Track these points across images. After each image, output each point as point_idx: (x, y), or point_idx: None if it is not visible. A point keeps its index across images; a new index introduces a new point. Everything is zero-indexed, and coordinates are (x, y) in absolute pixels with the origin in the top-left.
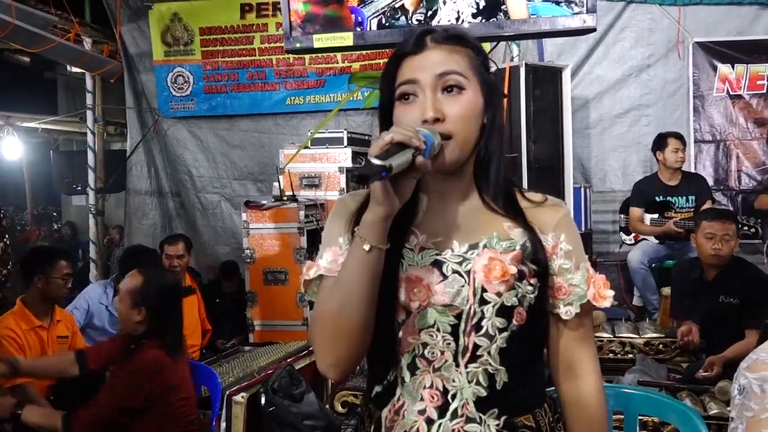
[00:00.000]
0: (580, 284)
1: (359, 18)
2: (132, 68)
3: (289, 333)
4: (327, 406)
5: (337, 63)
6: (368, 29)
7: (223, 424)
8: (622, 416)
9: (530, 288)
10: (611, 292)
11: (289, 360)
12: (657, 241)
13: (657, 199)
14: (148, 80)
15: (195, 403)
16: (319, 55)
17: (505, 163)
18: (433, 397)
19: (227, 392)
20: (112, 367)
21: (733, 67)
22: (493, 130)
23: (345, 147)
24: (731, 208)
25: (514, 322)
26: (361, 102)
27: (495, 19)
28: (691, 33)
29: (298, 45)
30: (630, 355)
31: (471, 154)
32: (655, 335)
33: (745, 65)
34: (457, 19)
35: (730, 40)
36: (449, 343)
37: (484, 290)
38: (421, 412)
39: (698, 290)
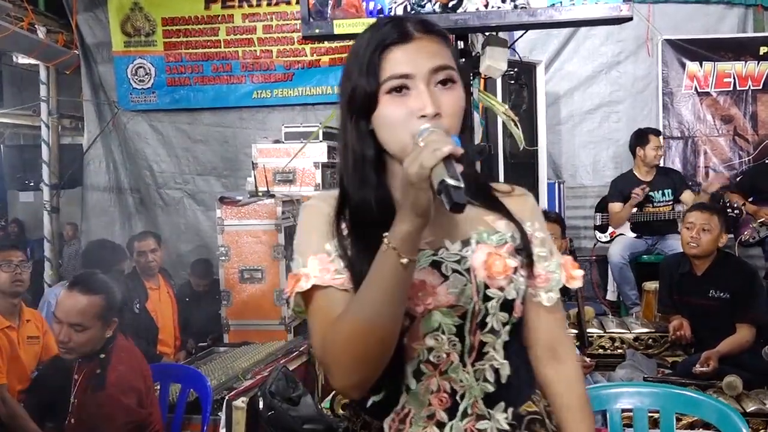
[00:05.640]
0: (555, 270)
1: (378, 5)
2: (89, 59)
3: (266, 333)
4: (325, 408)
5: (306, 56)
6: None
7: (223, 431)
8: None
9: (522, 279)
10: (580, 272)
11: (282, 361)
12: (635, 235)
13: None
14: (106, 72)
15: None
16: (287, 47)
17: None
18: (441, 401)
19: (227, 397)
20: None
21: (701, 65)
22: (468, 123)
23: (320, 142)
24: None
25: (515, 314)
26: None
27: (526, 6)
28: (660, 31)
29: (317, 31)
30: (620, 351)
31: None
32: (644, 330)
33: (713, 63)
34: (486, 5)
35: (698, 38)
36: (455, 344)
37: (486, 287)
38: (430, 417)
39: (687, 285)
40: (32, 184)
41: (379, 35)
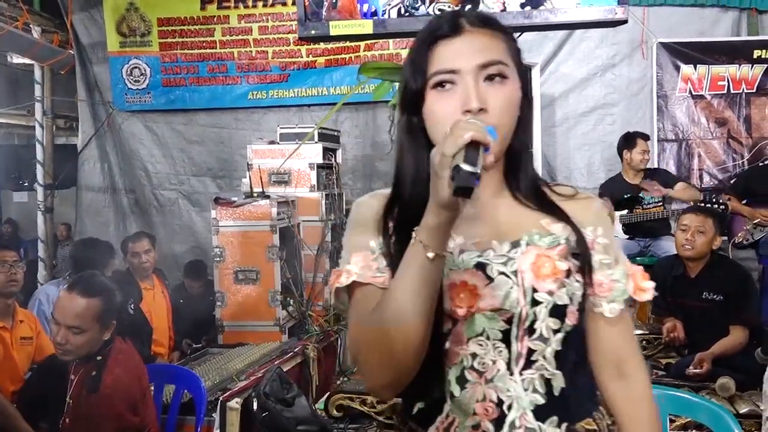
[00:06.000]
0: (621, 279)
1: (372, 7)
2: (84, 59)
3: (260, 334)
4: (319, 409)
5: (302, 57)
6: (387, 18)
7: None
8: None
9: (577, 285)
10: (650, 284)
11: (276, 362)
12: (627, 237)
13: (624, 197)
14: (101, 72)
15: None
16: (283, 48)
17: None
18: (487, 410)
19: (221, 398)
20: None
21: (695, 68)
22: (526, 122)
23: (315, 143)
24: None
25: (568, 322)
26: (361, 96)
27: (551, 9)
28: (655, 33)
29: (313, 32)
30: None
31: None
32: (638, 332)
33: (707, 66)
34: (503, 9)
35: (693, 41)
36: (501, 351)
37: (534, 290)
38: (475, 427)
39: (681, 287)
40: (26, 184)
41: (430, 29)
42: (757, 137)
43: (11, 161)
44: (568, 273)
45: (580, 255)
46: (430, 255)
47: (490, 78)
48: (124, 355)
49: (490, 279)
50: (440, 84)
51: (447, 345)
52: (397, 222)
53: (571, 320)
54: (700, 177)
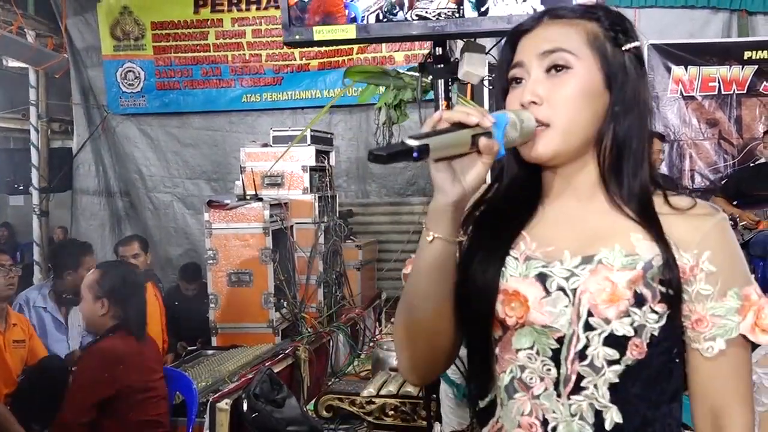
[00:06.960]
0: (726, 315)
1: (352, 13)
2: (79, 63)
3: (254, 336)
4: (310, 410)
5: (295, 60)
6: (368, 23)
7: None
8: None
9: (654, 316)
10: None
11: (267, 364)
12: None
13: None
14: (96, 76)
15: (168, 410)
16: (276, 51)
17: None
18: (531, 426)
19: (211, 398)
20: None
21: (686, 69)
22: (624, 116)
23: (308, 145)
24: None
25: (629, 355)
26: (354, 98)
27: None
28: (646, 35)
29: (297, 37)
30: None
31: (584, 144)
32: None
33: (698, 67)
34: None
35: (684, 42)
36: (549, 369)
37: (590, 314)
38: None
39: None
40: (21, 187)
41: (514, 27)
42: (747, 138)
43: (6, 165)
44: (641, 302)
45: (670, 283)
46: (428, 237)
47: (555, 69)
48: (121, 341)
49: (548, 293)
50: (515, 80)
51: (497, 351)
52: (468, 215)
53: (634, 353)
54: (692, 178)
